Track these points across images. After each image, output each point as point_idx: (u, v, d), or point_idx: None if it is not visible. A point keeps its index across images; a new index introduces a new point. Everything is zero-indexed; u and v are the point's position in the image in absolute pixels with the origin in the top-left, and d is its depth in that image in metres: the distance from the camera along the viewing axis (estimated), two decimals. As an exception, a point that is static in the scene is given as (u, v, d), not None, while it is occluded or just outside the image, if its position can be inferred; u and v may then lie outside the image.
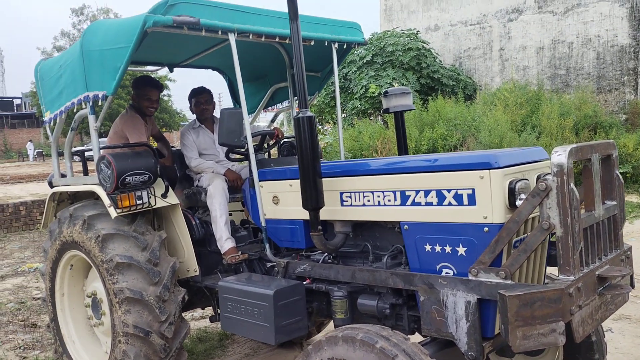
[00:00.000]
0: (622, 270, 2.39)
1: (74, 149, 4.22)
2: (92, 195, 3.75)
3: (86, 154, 4.36)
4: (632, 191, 11.59)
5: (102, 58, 3.36)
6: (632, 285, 2.58)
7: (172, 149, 4.62)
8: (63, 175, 4.20)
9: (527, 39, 16.32)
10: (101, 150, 3.62)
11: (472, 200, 2.40)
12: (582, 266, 2.25)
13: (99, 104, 3.43)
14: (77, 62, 3.59)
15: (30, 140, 44.82)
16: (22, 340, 5.43)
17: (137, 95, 4.28)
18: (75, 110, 3.77)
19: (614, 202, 2.53)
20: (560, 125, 11.63)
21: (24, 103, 58.77)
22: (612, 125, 12.67)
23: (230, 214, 3.94)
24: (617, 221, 2.54)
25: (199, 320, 5.76)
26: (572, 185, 2.14)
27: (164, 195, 3.62)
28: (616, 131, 12.28)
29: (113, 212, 3.40)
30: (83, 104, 3.58)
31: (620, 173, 2.60)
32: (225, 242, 3.67)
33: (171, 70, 4.92)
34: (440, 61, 17.06)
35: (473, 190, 2.39)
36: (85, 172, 4.11)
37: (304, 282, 3.11)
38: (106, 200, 3.45)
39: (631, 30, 14.42)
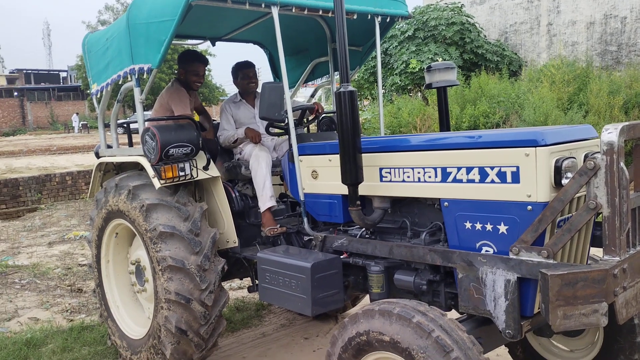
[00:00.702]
0: (671, 253, 2.32)
1: (119, 121, 4.32)
2: (137, 166, 3.86)
3: (131, 125, 4.48)
4: (683, 174, 11.12)
5: (147, 31, 3.41)
6: (681, 269, 2.49)
7: (213, 122, 4.68)
8: (109, 147, 4.32)
9: (577, 14, 15.66)
10: (146, 123, 3.70)
11: (516, 178, 2.35)
12: (628, 247, 2.19)
13: (144, 76, 3.49)
14: (124, 35, 3.65)
15: (77, 113, 46.09)
16: (69, 304, 5.69)
17: (185, 69, 4.33)
18: (120, 83, 3.85)
19: (666, 183, 2.43)
20: (609, 103, 11.19)
21: (70, 76, 60.36)
22: (666, 104, 12.10)
23: (271, 185, 3.98)
24: (668, 203, 2.45)
25: (236, 290, 5.90)
26: (622, 164, 2.07)
27: (206, 168, 3.69)
28: (670, 111, 11.73)
29: (157, 183, 3.49)
30: (129, 76, 3.65)
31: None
32: (269, 200, 3.70)
33: (213, 44, 4.95)
34: (485, 36, 16.57)
35: (517, 167, 2.34)
36: (130, 143, 4.22)
37: (341, 256, 3.13)
38: (150, 171, 3.54)
39: (690, 4, 13.64)
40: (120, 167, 4.26)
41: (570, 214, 2.40)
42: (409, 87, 15.30)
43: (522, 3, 16.80)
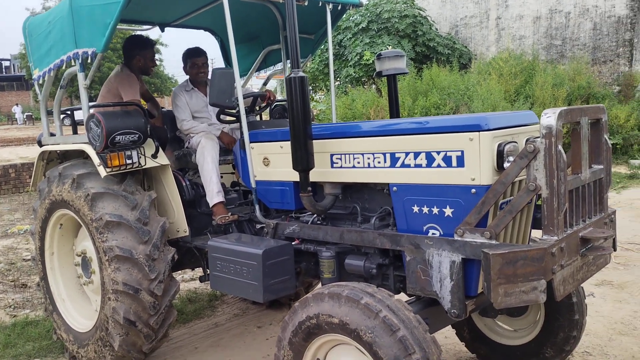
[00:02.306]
0: (605, 232, 2.44)
1: (63, 108, 4.17)
2: (82, 155, 3.74)
3: (76, 113, 4.33)
4: (621, 162, 11.69)
5: (91, 14, 3.30)
6: (614, 248, 2.63)
7: (162, 109, 4.59)
8: (52, 135, 4.17)
9: (524, 8, 16.16)
10: (91, 109, 3.58)
11: (460, 162, 2.41)
12: (565, 227, 2.28)
13: (89, 61, 3.38)
14: (66, 18, 3.52)
15: (17, 104, 43.90)
16: (12, 299, 5.49)
17: (139, 54, 4.24)
18: (64, 68, 3.71)
19: (601, 166, 2.55)
20: (553, 95, 11.63)
21: (13, 65, 57.66)
22: (605, 96, 12.68)
23: (220, 177, 3.94)
24: (602, 185, 2.58)
25: (189, 282, 5.83)
26: (560, 147, 2.16)
27: (154, 156, 3.61)
28: (609, 102, 12.30)
29: (102, 171, 3.39)
30: (72, 61, 3.53)
31: (611, 144, 2.62)
32: (216, 195, 3.68)
33: (162, 30, 4.84)
34: (436, 29, 16.88)
35: (462, 152, 2.40)
36: (75, 131, 4.08)
37: (293, 243, 3.14)
38: (96, 159, 3.43)
39: (629, 1, 14.30)
40: (65, 156, 4.12)
41: (512, 197, 2.48)
42: (363, 79, 15.43)
43: (472, -3, 17.18)
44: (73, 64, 3.53)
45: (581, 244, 2.35)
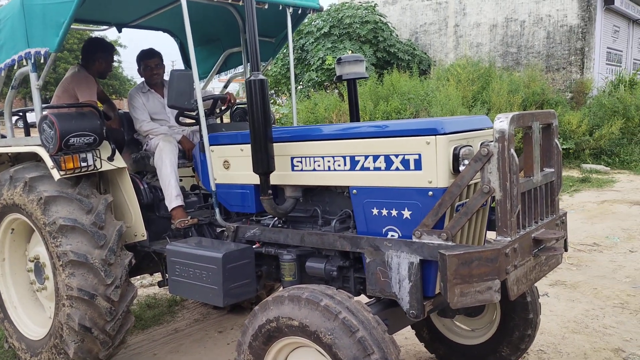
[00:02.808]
0: (557, 233, 2.53)
1: (14, 109, 4.04)
2: (34, 157, 3.63)
3: (28, 116, 4.20)
4: (574, 166, 12.13)
5: (44, 12, 3.21)
6: (566, 249, 2.72)
7: (119, 111, 4.50)
8: (3, 137, 4.02)
9: (481, 16, 16.58)
10: (44, 110, 3.48)
11: (418, 165, 2.46)
12: (518, 228, 2.35)
13: (42, 61, 3.28)
14: (18, 16, 3.41)
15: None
16: (-39, 308, 5.25)
17: (101, 57, 4.18)
18: (16, 68, 3.60)
19: (552, 169, 2.64)
20: (509, 101, 11.97)
21: (-38, 65, 55.34)
22: (558, 102, 13.15)
23: (180, 180, 3.89)
24: (554, 187, 2.67)
25: (147, 287, 5.72)
26: (512, 151, 2.22)
27: (111, 159, 3.53)
28: (561, 108, 12.75)
29: (56, 174, 3.30)
30: (24, 60, 3.42)
31: (563, 149, 2.72)
32: (175, 199, 3.64)
33: (119, 31, 4.75)
34: (397, 35, 17.13)
35: (419, 155, 2.45)
36: (28, 133, 3.96)
37: (254, 246, 3.13)
38: (49, 162, 3.34)
39: (580, 11, 14.88)
40: (16, 159, 3.98)
41: (467, 199, 2.54)
42: (325, 83, 15.50)
43: (431, 4, 17.53)
44: (25, 63, 3.42)
45: (534, 245, 2.43)
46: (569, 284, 5.13)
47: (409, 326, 3.71)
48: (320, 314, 2.21)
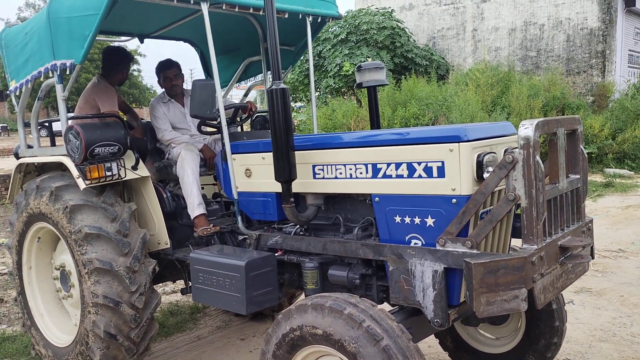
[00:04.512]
0: (583, 240, 2.49)
1: (40, 120, 4.12)
2: (60, 167, 3.69)
3: (54, 125, 4.28)
4: (596, 171, 11.94)
5: (69, 25, 3.27)
6: (592, 256, 2.68)
7: (142, 121, 4.56)
8: (30, 147, 4.10)
9: (499, 20, 16.47)
10: (69, 121, 3.54)
11: (441, 172, 2.45)
12: (545, 236, 2.33)
13: (67, 73, 3.35)
14: (44, 29, 3.48)
15: (-10, 116, 43.05)
16: (-11, 314, 5.35)
17: (125, 68, 4.26)
18: (42, 80, 3.67)
19: (578, 176, 2.61)
20: (529, 105, 11.85)
21: (-13, 76, 56.62)
22: (580, 106, 12.97)
23: (202, 188, 3.93)
24: (580, 194, 2.63)
25: (170, 294, 5.76)
26: (537, 157, 2.20)
27: (134, 168, 3.58)
28: (583, 112, 12.59)
29: (82, 184, 3.35)
30: (50, 72, 3.49)
31: (586, 154, 2.68)
32: (197, 207, 3.66)
33: (141, 41, 4.82)
34: (414, 41, 17.11)
35: (442, 162, 2.44)
36: (53, 143, 4.03)
37: (276, 254, 3.14)
38: (74, 172, 3.39)
39: (600, 14, 14.69)
40: (42, 168, 4.05)
41: (491, 206, 2.52)
42: (342, 90, 15.53)
43: (448, 9, 17.47)
44: (51, 75, 3.49)
45: (560, 253, 2.40)
46: (595, 291, 5.04)
47: (433, 335, 3.68)
48: (344, 322, 2.20)
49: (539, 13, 15.66)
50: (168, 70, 4.27)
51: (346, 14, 16.38)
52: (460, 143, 2.38)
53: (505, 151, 2.52)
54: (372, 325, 2.16)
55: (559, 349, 3.27)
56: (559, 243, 2.38)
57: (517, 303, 2.16)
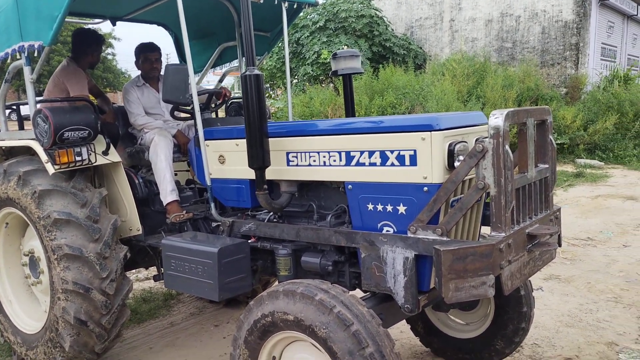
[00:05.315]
0: (551, 228, 2.54)
1: (8, 103, 4.02)
2: (29, 151, 3.61)
3: (23, 109, 4.18)
4: (568, 161, 12.18)
5: (37, 5, 3.19)
6: (560, 244, 2.74)
7: (113, 105, 4.48)
8: (-3, 130, 4.00)
9: (477, 11, 16.58)
10: (38, 104, 3.46)
11: (413, 161, 2.47)
12: (513, 224, 2.37)
13: (35, 54, 3.27)
14: (11, 9, 3.39)
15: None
16: (-45, 302, 5.23)
17: (95, 51, 4.17)
18: (9, 62, 3.58)
19: (547, 165, 2.66)
20: (503, 96, 11.99)
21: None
22: (553, 98, 13.19)
23: (175, 174, 3.89)
24: (548, 183, 2.68)
25: (143, 282, 5.72)
26: (507, 147, 2.24)
27: (105, 153, 3.52)
28: (556, 104, 12.79)
29: (50, 169, 3.29)
30: (18, 54, 3.40)
31: (558, 144, 2.73)
32: (170, 194, 3.63)
33: (114, 24, 4.72)
34: (392, 30, 17.12)
35: (415, 151, 2.45)
36: (21, 127, 3.94)
37: (249, 241, 3.13)
38: (43, 156, 3.32)
39: (575, 7, 14.89)
40: (10, 153, 3.96)
41: (462, 195, 2.55)
42: (320, 77, 15.48)
43: (427, -1, 17.50)
44: (19, 57, 3.40)
45: (528, 240, 2.44)
46: (563, 278, 5.17)
47: (404, 320, 3.74)
48: (315, 308, 2.22)
49: (516, 5, 15.80)
50: (150, 52, 4.21)
51: (325, 1, 16.29)
52: (433, 132, 2.40)
53: (476, 140, 2.56)
54: (343, 311, 2.18)
55: (527, 334, 3.35)
56: (526, 231, 2.43)
57: (485, 289, 2.21)
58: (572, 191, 9.65)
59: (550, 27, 15.26)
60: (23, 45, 3.30)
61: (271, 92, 18.29)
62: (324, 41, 15.20)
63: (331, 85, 15.05)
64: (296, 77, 16.02)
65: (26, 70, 3.35)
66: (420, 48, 17.32)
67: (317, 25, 15.43)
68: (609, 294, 4.75)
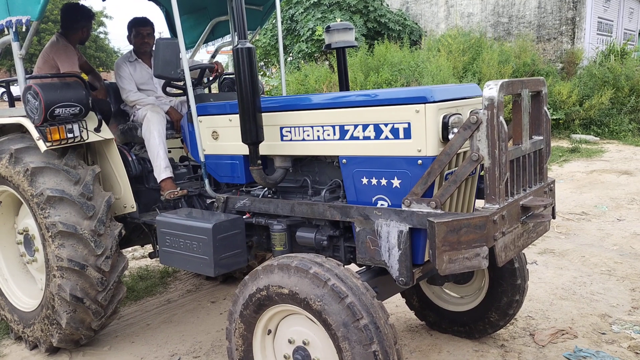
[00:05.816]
0: (544, 200, 2.54)
1: (-2, 80, 3.97)
2: (20, 129, 3.57)
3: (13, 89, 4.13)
4: (563, 136, 12.17)
5: (24, -21, 3.13)
6: (553, 216, 2.74)
7: (105, 82, 4.43)
8: (-13, 108, 3.96)
9: (473, -15, 16.37)
10: (28, 81, 3.42)
11: (407, 134, 2.45)
12: (507, 196, 2.37)
13: (24, 30, 3.21)
14: (-3, -17, 3.32)
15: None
16: (-48, 281, 5.24)
17: (85, 26, 4.09)
18: (-2, 38, 3.53)
19: (541, 137, 2.64)
20: (499, 72, 11.92)
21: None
22: (549, 73, 13.11)
23: (169, 151, 3.86)
24: (542, 155, 2.67)
25: (140, 259, 5.73)
26: (501, 118, 2.22)
27: (97, 130, 3.49)
28: (552, 79, 12.72)
29: (42, 146, 3.26)
30: (5, 29, 3.34)
31: (553, 119, 2.71)
32: (164, 170, 3.61)
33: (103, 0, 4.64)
34: (387, 5, 16.90)
35: (409, 124, 2.44)
36: (12, 104, 3.89)
37: (244, 217, 3.13)
38: (34, 133, 3.29)
39: (572, -20, 14.71)
40: (1, 131, 3.92)
41: (456, 167, 2.55)
42: (315, 55, 15.34)
43: (422, -27, 17.25)
44: (6, 32, 3.35)
45: (522, 212, 2.45)
46: (558, 252, 5.20)
47: (400, 295, 3.76)
48: (309, 281, 2.22)
49: (512, -22, 15.61)
50: (143, 27, 4.15)
51: (318, -24, 16.04)
52: (427, 104, 2.38)
53: (471, 112, 2.54)
54: (337, 284, 2.19)
55: (521, 306, 3.38)
56: (520, 203, 2.43)
57: (479, 261, 2.21)
58: (567, 166, 9.66)
59: (547, 2, 15.10)
60: (10, 20, 3.24)
61: (265, 70, 18.13)
62: (318, 17, 15.02)
63: (326, 62, 14.92)
64: (290, 54, 15.86)
65: (14, 45, 3.30)
66: (416, 24, 17.14)
67: (311, 1, 15.22)
68: (603, 267, 4.78)
